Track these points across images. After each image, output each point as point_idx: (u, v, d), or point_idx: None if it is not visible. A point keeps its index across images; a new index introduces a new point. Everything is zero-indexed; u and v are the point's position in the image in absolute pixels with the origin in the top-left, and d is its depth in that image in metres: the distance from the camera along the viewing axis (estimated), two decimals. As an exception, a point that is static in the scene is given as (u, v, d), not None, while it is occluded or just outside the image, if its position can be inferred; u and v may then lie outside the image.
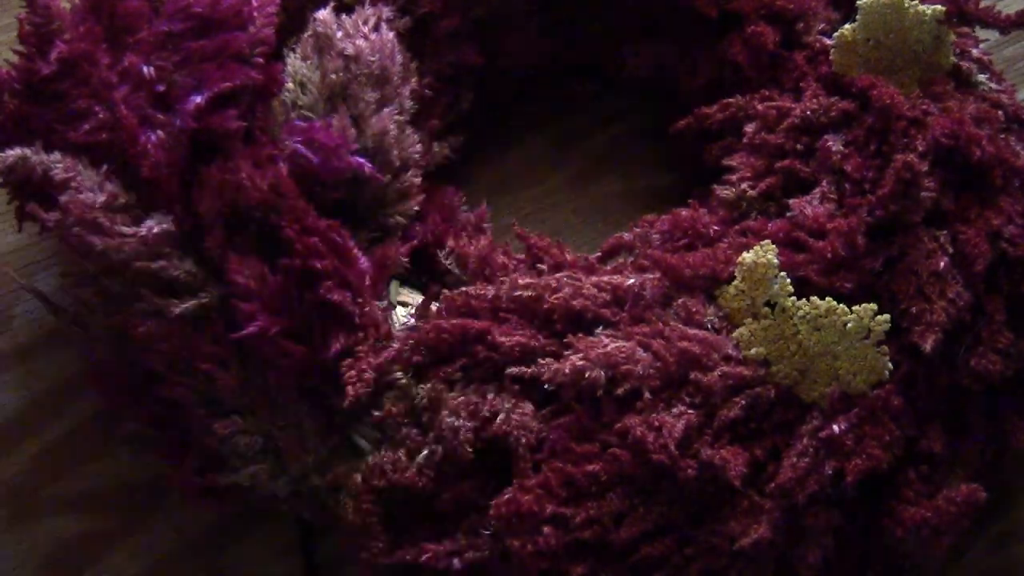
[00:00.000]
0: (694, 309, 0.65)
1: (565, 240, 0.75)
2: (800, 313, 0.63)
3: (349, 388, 0.62)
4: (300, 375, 0.63)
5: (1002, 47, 0.87)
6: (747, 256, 0.64)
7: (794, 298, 0.63)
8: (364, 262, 0.66)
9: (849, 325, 0.62)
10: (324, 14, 0.70)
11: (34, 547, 0.73)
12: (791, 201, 0.69)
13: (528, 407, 0.63)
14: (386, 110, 0.70)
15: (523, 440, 0.62)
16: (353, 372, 0.63)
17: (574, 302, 0.65)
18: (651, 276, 0.67)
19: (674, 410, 0.62)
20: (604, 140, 0.87)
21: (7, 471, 0.74)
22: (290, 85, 0.68)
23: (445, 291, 0.69)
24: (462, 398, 0.63)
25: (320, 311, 0.63)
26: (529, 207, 0.85)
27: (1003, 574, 0.75)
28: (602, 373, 0.62)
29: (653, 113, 0.86)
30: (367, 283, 0.66)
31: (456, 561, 0.61)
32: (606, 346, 0.63)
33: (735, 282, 0.65)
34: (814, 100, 0.71)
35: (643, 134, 0.87)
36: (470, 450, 0.62)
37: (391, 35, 0.72)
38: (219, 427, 0.64)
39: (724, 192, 0.72)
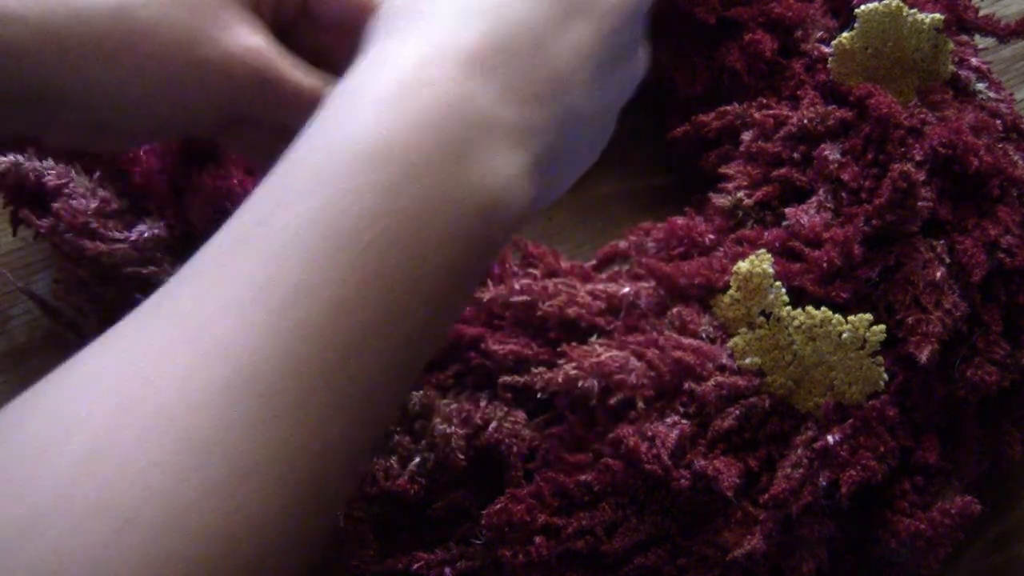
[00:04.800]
0: (689, 318, 0.65)
1: (564, 239, 0.75)
2: (795, 323, 0.62)
3: None
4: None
5: (1001, 47, 0.86)
6: (742, 265, 0.64)
7: (789, 308, 0.63)
8: None
9: (844, 335, 0.62)
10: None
11: (31, 548, 0.73)
12: (787, 210, 0.68)
13: (521, 415, 0.63)
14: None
15: (515, 449, 0.62)
16: None
17: (568, 310, 0.65)
18: (646, 285, 0.66)
19: (668, 420, 0.61)
20: (603, 141, 0.87)
21: (5, 472, 0.74)
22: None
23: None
24: (455, 405, 0.63)
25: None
26: (527, 208, 0.84)
27: (1003, 574, 0.75)
28: (595, 383, 0.62)
29: (652, 114, 0.86)
30: None
31: (448, 570, 0.61)
32: (600, 355, 0.63)
33: (730, 291, 0.64)
34: (811, 108, 0.71)
35: (642, 134, 0.86)
36: (462, 458, 0.62)
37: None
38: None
39: (720, 200, 0.72)
